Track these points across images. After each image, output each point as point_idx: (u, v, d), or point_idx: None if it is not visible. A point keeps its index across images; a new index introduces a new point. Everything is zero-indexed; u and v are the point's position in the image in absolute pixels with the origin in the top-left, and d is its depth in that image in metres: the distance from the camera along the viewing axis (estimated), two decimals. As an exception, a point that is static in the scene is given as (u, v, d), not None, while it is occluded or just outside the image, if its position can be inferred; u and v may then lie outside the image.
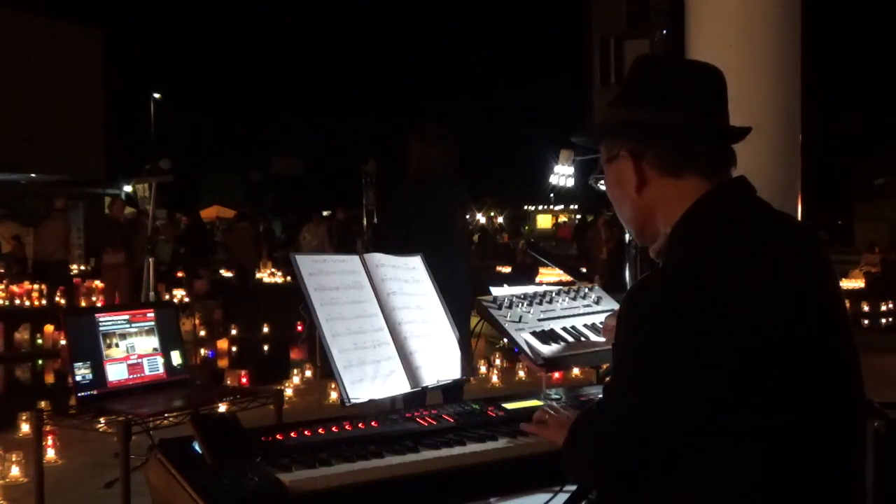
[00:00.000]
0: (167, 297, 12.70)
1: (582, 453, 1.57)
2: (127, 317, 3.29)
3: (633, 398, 1.46)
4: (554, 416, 1.89)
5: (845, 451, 1.50)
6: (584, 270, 2.96)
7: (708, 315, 1.40)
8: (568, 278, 2.98)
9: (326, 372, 2.36)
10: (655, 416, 1.44)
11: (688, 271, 1.46)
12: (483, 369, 7.89)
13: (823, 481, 1.46)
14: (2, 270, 17.03)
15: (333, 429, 1.95)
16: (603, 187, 1.75)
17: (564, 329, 2.45)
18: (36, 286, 15.17)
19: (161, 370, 3.33)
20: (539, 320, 2.44)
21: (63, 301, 13.12)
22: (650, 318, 1.45)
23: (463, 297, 3.89)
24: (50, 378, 9.24)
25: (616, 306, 2.56)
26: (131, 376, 3.21)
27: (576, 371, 7.07)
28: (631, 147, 1.59)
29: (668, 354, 1.41)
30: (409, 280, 2.59)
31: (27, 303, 14.55)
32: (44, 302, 14.08)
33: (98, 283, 13.94)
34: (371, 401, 2.23)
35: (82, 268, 19.29)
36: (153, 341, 3.33)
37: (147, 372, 3.28)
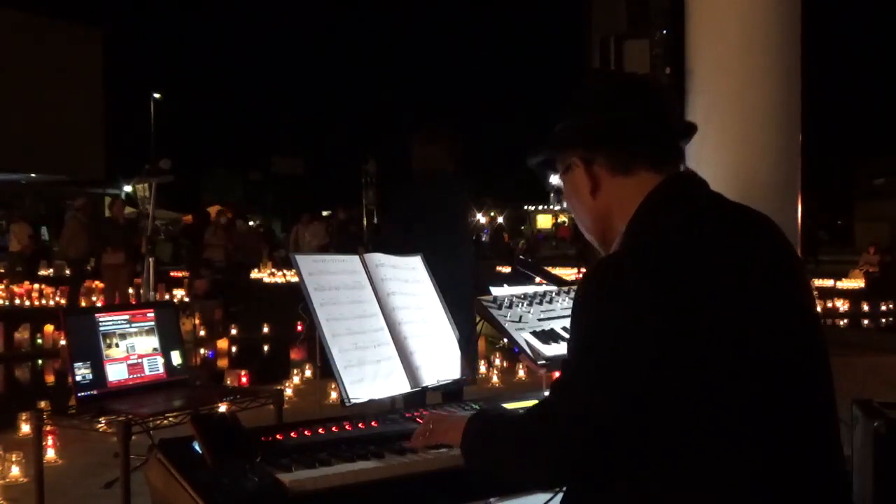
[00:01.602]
0: (167, 296, 12.73)
1: (519, 445, 1.55)
2: (127, 317, 3.29)
3: (588, 384, 1.45)
4: (440, 421, 1.88)
5: (812, 443, 1.48)
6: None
7: (665, 293, 1.41)
8: (568, 278, 2.98)
9: (326, 372, 2.37)
10: (613, 403, 1.42)
11: (642, 250, 1.48)
12: (483, 369, 7.89)
13: (784, 468, 1.43)
14: (2, 270, 17.08)
15: (333, 429, 1.95)
16: (565, 204, 1.81)
17: (564, 329, 2.44)
18: (36, 286, 15.21)
19: (161, 370, 3.33)
20: (539, 320, 2.44)
21: (63, 301, 13.13)
22: (603, 299, 1.46)
23: (467, 297, 3.88)
24: (50, 378, 9.24)
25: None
26: (131, 376, 3.21)
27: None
28: (581, 153, 1.65)
29: (625, 332, 1.41)
30: (410, 280, 2.59)
31: (27, 303, 14.57)
32: (50, 302, 14.11)
33: (98, 283, 13.94)
34: (371, 401, 2.23)
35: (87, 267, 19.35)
36: (153, 341, 3.32)
37: (147, 372, 3.28)
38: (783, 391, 1.45)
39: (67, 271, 14.60)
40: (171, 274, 17.11)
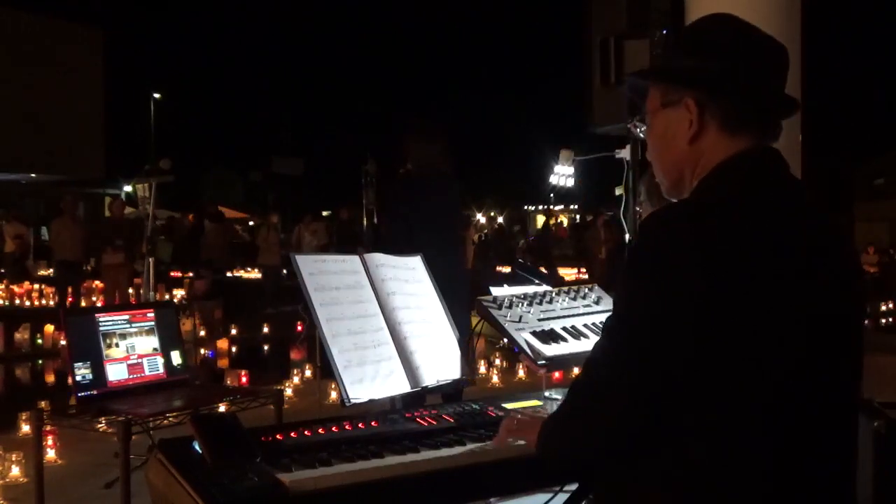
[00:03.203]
0: (167, 296, 12.72)
1: (569, 433, 1.54)
2: (127, 317, 3.29)
3: (624, 359, 1.43)
4: (523, 420, 1.87)
5: (836, 440, 1.48)
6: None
7: (714, 271, 1.37)
8: (567, 278, 2.97)
9: (326, 372, 2.37)
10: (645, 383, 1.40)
11: (705, 220, 1.42)
12: (483, 369, 7.89)
13: (807, 459, 1.43)
14: (1, 270, 17.08)
15: (333, 429, 1.95)
16: (641, 133, 1.73)
17: (564, 329, 2.45)
18: (36, 286, 15.20)
19: (161, 370, 3.33)
20: (539, 320, 2.44)
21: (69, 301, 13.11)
22: (650, 264, 1.41)
23: (463, 294, 3.88)
24: (50, 378, 9.24)
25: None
26: (131, 376, 3.21)
27: (576, 371, 7.06)
28: (698, 96, 1.54)
29: (667, 304, 1.38)
30: (410, 280, 2.59)
31: (27, 303, 14.57)
32: (50, 302, 14.09)
33: (98, 283, 13.93)
34: (371, 401, 2.23)
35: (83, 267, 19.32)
36: (153, 341, 3.33)
37: (147, 372, 3.28)
38: (808, 389, 1.43)
39: (51, 272, 14.55)
40: (172, 274, 17.06)
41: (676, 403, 1.40)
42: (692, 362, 1.38)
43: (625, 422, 1.44)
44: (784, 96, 1.58)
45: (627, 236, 4.92)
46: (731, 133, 1.53)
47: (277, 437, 1.88)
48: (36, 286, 15.32)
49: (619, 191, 4.56)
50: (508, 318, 2.39)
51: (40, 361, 9.98)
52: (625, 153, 4.33)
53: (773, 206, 1.47)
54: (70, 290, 13.21)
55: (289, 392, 7.03)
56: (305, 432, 1.92)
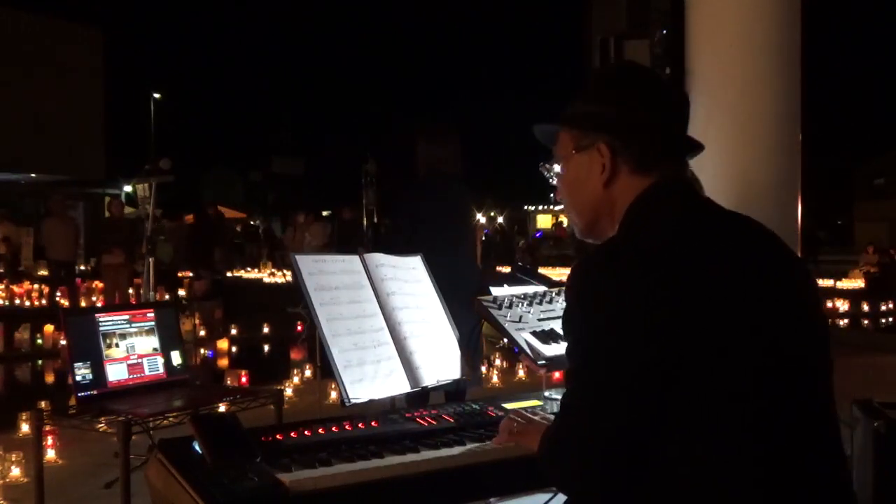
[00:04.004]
0: (167, 296, 12.71)
1: (558, 463, 1.53)
2: (127, 317, 3.29)
3: (593, 389, 1.44)
4: (523, 424, 1.86)
5: (815, 444, 1.47)
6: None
7: (661, 289, 1.40)
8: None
9: (326, 372, 2.37)
10: (620, 404, 1.41)
11: (638, 246, 1.47)
12: (483, 369, 7.89)
13: (781, 471, 1.42)
14: (1, 270, 17.08)
15: (333, 429, 1.95)
16: (552, 175, 1.78)
17: (564, 329, 2.44)
18: (36, 286, 15.21)
19: (161, 370, 3.33)
20: (539, 320, 2.43)
21: (64, 301, 13.11)
22: (599, 295, 1.44)
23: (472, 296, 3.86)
24: (50, 378, 9.24)
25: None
26: (131, 376, 3.21)
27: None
28: (609, 141, 1.61)
29: (621, 332, 1.40)
30: (409, 280, 2.59)
31: (27, 303, 14.57)
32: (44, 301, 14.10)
33: (98, 283, 13.92)
34: (371, 401, 2.23)
35: (82, 268, 19.30)
36: (153, 341, 3.33)
37: (147, 372, 3.28)
38: (783, 390, 1.44)
39: (45, 272, 14.52)
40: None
41: (663, 424, 1.40)
42: (660, 384, 1.39)
43: (619, 451, 1.44)
44: (689, 139, 1.67)
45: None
46: (643, 173, 1.60)
47: (277, 437, 1.88)
48: (36, 286, 15.33)
49: None
50: (508, 318, 2.39)
51: (40, 361, 9.98)
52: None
53: (699, 224, 1.53)
54: (66, 290, 13.20)
55: (289, 392, 7.03)
56: (305, 432, 1.92)
